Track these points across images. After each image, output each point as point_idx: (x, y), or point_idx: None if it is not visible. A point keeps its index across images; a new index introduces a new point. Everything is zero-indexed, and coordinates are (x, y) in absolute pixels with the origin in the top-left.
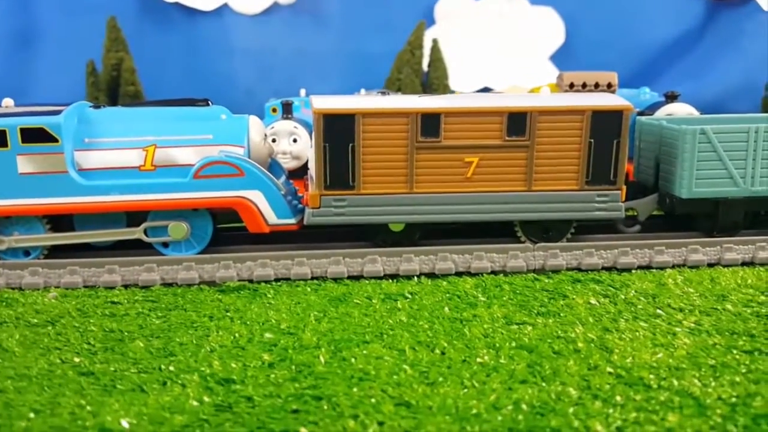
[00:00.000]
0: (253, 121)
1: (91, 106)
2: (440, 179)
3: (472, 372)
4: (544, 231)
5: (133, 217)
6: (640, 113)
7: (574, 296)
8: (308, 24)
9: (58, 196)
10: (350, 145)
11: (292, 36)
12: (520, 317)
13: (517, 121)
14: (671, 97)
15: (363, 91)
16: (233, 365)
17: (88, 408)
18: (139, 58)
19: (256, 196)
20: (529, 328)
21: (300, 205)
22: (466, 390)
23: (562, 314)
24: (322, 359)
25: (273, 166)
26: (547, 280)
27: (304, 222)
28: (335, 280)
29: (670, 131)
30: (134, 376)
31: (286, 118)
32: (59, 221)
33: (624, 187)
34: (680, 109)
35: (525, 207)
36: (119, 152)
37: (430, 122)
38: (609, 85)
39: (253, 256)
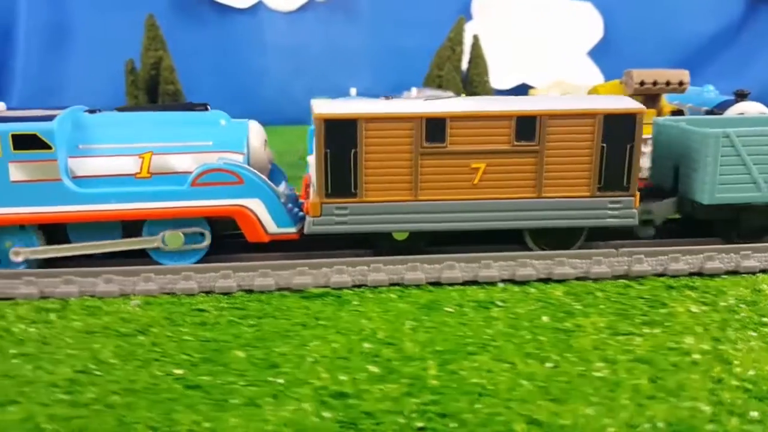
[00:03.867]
0: (253, 126)
1: (86, 110)
2: (446, 186)
3: (595, 387)
4: (554, 238)
5: (129, 226)
6: (709, 112)
7: (674, 304)
8: (342, 20)
9: (51, 205)
10: (352, 151)
11: (326, 32)
12: (625, 327)
13: (526, 126)
14: (741, 96)
15: (414, 90)
16: (342, 377)
17: (206, 424)
18: (172, 55)
19: (256, 205)
20: (638, 339)
21: (301, 213)
22: (594, 407)
23: (666, 323)
24: (431, 372)
25: (274, 172)
26: (639, 287)
27: (305, 231)
28: (417, 286)
29: (692, 134)
30: (244, 390)
31: None
32: (53, 231)
33: (638, 194)
34: (751, 108)
35: (534, 214)
36: (114, 159)
37: (435, 127)
38: (680, 83)
39: (329, 263)
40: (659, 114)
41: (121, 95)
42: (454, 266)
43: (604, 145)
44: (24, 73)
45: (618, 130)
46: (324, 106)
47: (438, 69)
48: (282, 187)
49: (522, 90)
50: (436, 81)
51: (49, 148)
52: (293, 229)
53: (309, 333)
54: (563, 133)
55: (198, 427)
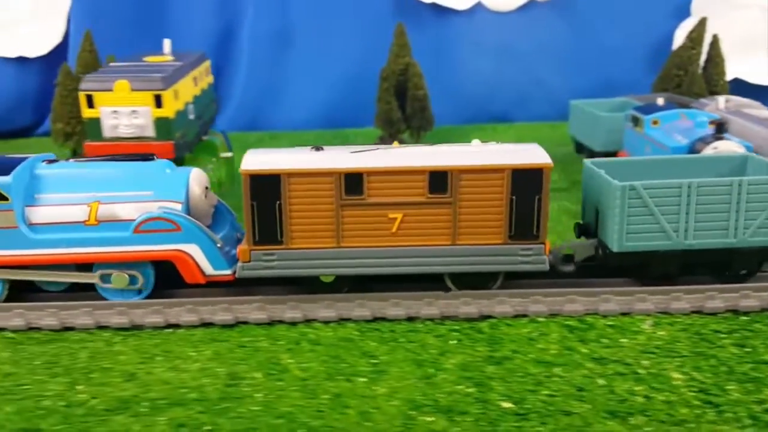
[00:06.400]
0: (195, 174)
1: (44, 160)
2: (366, 234)
3: None
4: (472, 281)
5: (82, 268)
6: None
7: None
8: (557, 19)
9: (11, 249)
10: (277, 203)
11: (539, 31)
12: None
13: (439, 180)
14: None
15: (721, 99)
16: None
17: None
18: None
19: (193, 250)
20: None
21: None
22: None
23: None
24: None
25: (221, 213)
26: None
27: (236, 275)
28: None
29: (604, 183)
30: None
31: (719, 138)
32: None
33: (548, 242)
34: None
35: (451, 260)
36: (66, 208)
37: (353, 181)
38: None
39: (667, 290)
40: None
41: (355, 101)
42: (714, 297)
43: (514, 197)
44: (247, 74)
45: (526, 183)
46: (251, 161)
47: (677, 69)
48: (226, 230)
49: (734, 87)
50: (674, 80)
51: (6, 199)
52: (229, 271)
53: None
54: (474, 186)
55: None
